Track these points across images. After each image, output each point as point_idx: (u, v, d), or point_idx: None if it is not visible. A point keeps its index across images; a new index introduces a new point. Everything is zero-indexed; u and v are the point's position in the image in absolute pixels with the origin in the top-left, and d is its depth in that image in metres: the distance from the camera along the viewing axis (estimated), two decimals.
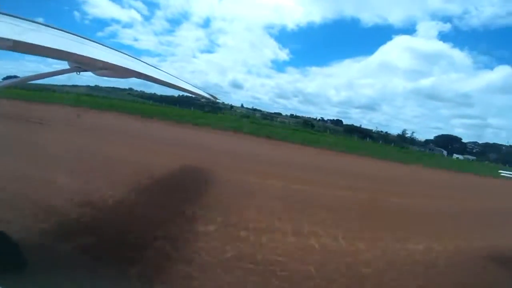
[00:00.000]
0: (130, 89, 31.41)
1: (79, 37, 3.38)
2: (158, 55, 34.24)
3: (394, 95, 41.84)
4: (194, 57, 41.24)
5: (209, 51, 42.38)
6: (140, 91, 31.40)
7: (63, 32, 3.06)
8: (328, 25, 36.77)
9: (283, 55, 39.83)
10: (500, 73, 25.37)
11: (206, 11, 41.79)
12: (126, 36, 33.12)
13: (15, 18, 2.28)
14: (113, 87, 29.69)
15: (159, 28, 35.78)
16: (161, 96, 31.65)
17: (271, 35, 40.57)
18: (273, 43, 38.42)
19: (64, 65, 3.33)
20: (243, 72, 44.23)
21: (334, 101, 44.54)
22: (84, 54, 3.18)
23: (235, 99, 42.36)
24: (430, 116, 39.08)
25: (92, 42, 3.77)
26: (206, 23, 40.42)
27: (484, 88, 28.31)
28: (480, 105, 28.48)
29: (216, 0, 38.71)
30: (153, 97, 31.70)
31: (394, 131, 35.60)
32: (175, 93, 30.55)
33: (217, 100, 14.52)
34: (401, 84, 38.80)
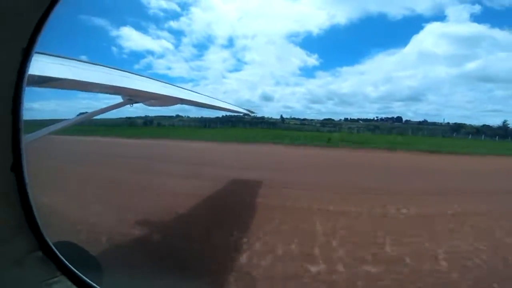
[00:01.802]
0: (178, 116, 33.69)
1: (126, 72, 3.55)
2: (191, 80, 36.70)
3: (439, 83, 38.32)
4: (224, 77, 43.10)
5: (236, 69, 43.99)
6: (187, 116, 33.54)
7: (112, 69, 3.23)
8: (355, 24, 35.55)
9: (312, 60, 38.97)
10: None
11: (227, 31, 44.05)
12: (159, 66, 36.28)
13: (68, 60, 2.40)
14: (163, 115, 32.27)
15: (188, 54, 38.50)
16: (209, 118, 33.40)
17: (296, 43, 40.59)
18: (299, 51, 38.26)
19: (115, 99, 3.48)
20: (271, 85, 44.62)
21: (372, 97, 42.29)
22: (135, 88, 3.33)
23: (266, 111, 42.64)
24: (485, 99, 35.18)
25: (137, 76, 3.96)
26: (229, 43, 42.49)
27: None
28: None
29: (235, 18, 40.36)
30: (204, 120, 33.67)
31: (447, 119, 31.95)
32: (217, 113, 32.00)
33: (253, 114, 14.59)
34: (444, 70, 35.56)
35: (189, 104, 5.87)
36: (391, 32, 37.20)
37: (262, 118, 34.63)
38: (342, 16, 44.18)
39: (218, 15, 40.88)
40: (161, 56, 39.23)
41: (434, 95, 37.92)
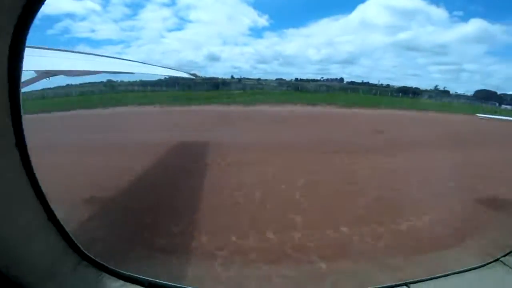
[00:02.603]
0: (109, 80, 29.19)
1: (39, 49, 3.94)
2: (121, 42, 33.07)
3: (373, 49, 42.70)
4: (162, 37, 39.30)
5: (178, 28, 40.34)
6: (121, 81, 29.70)
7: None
8: None
9: (263, 21, 37.68)
10: (474, 25, 26.60)
11: None
12: (80, 29, 31.27)
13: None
14: (90, 82, 26.55)
15: (118, 14, 33.43)
16: (145, 81, 30.39)
17: (248, 3, 38.38)
18: (251, 11, 36.69)
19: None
20: (218, 44, 42.47)
21: (313, 60, 44.77)
22: (47, 69, 3.87)
23: (212, 71, 41.60)
24: (408, 65, 41.18)
25: (52, 51, 4.39)
26: (171, 1, 38.20)
27: (459, 39, 30.21)
28: (455, 54, 29.95)
29: None
30: (143, 84, 30.27)
31: (373, 81, 36.67)
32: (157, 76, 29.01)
33: (197, 77, 14.90)
34: (380, 38, 39.19)
35: (115, 73, 6.41)
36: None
37: (215, 78, 33.37)
38: None
39: None
40: (82, 18, 33.87)
41: (367, 59, 42.10)
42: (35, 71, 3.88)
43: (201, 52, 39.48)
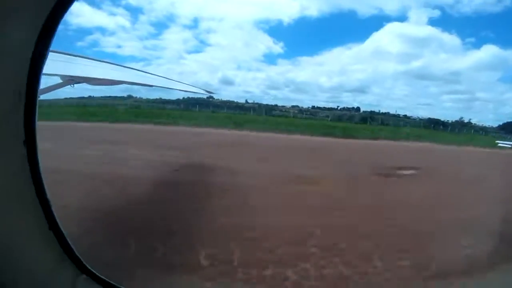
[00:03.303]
0: (129, 96, 30.32)
1: (67, 55, 3.96)
2: (143, 59, 34.71)
3: (385, 78, 44.79)
4: (182, 58, 41.93)
5: (197, 51, 42.77)
6: (139, 97, 30.70)
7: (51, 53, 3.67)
8: (325, 18, 37.46)
9: (277, 48, 40.16)
10: (486, 52, 27.92)
11: (192, 12, 42.21)
12: (108, 44, 33.42)
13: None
14: (110, 96, 27.07)
15: (143, 32, 36.23)
16: (167, 100, 31.38)
17: (264, 30, 40.95)
18: (266, 38, 39.08)
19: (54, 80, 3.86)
20: (233, 69, 45.40)
21: (325, 87, 47.19)
22: (76, 74, 3.83)
23: (225, 94, 43.59)
24: (419, 94, 42.97)
25: (79, 58, 4.38)
26: (193, 24, 41.00)
27: (472, 66, 31.35)
28: (468, 82, 31.14)
29: (203, 0, 38.83)
30: (164, 102, 31.13)
31: (384, 110, 38.16)
32: (178, 95, 30.12)
33: (212, 94, 15.01)
34: (392, 67, 41.20)
35: (136, 85, 6.33)
36: (355, 28, 40.27)
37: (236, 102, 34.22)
38: (315, 8, 45.80)
39: None
40: (111, 33, 36.50)
41: (378, 87, 43.66)
42: (60, 76, 3.87)
43: (216, 75, 41.10)
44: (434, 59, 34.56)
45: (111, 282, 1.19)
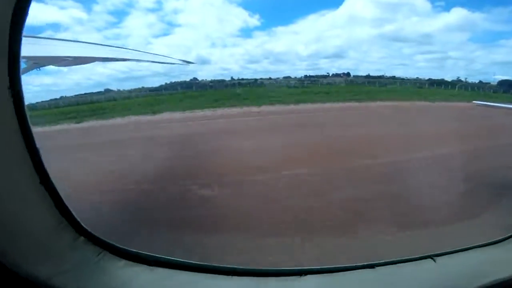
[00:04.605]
0: (107, 89, 22.79)
1: (29, 38, 3.84)
2: None
3: (360, 42, 45.17)
4: (149, 43, 38.70)
5: (165, 34, 39.62)
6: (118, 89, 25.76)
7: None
8: None
9: (254, 21, 37.71)
10: (455, 14, 28.51)
11: None
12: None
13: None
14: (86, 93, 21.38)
15: (101, 23, 32.02)
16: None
17: (237, 3, 37.62)
18: (241, 12, 36.50)
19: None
20: (207, 47, 43.00)
21: (303, 56, 46.51)
22: (39, 55, 3.81)
23: (201, 75, 42.51)
24: (395, 55, 43.94)
25: (43, 39, 4.29)
26: (157, 7, 37.22)
27: (442, 28, 31.60)
28: (440, 42, 31.89)
29: None
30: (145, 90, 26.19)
31: (363, 72, 38.31)
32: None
33: (191, 63, 14.50)
34: (367, 31, 40.68)
35: (109, 60, 6.25)
36: None
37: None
38: None
39: None
40: (66, 29, 32.11)
41: (355, 52, 43.63)
42: (25, 60, 3.75)
43: (190, 56, 38.69)
44: (407, 22, 34.44)
45: (111, 243, 1.13)
